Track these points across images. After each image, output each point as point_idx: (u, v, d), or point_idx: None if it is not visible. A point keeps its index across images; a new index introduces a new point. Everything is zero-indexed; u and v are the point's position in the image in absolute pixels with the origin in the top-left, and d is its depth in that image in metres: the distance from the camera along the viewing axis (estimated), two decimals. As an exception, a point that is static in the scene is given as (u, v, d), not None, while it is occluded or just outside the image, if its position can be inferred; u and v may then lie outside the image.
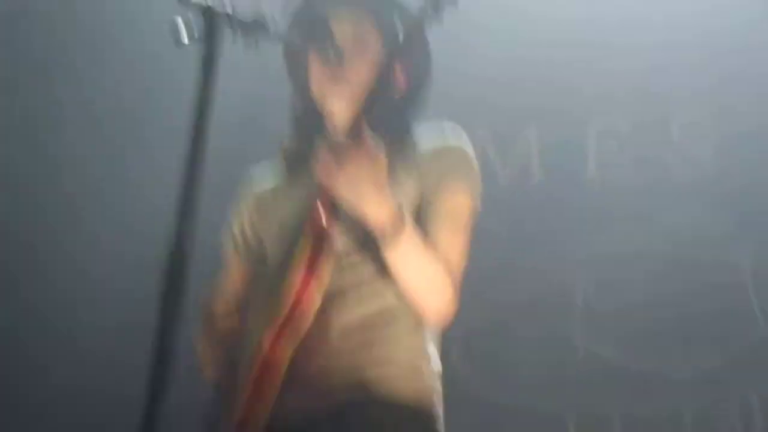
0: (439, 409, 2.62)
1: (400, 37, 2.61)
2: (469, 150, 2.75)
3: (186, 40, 2.10)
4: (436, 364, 2.67)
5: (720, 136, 5.01)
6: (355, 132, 2.44)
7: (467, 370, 4.89)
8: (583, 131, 5.22)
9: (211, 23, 2.11)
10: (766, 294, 4.80)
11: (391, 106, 2.67)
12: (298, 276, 2.42)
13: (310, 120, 2.81)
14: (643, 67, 5.06)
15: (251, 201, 2.90)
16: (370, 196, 2.40)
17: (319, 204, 2.46)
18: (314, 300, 2.43)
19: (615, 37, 5.11)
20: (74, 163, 5.30)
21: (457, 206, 2.65)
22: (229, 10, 2.16)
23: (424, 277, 2.50)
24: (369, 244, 2.54)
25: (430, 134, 2.76)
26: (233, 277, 2.86)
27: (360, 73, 2.68)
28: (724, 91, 4.94)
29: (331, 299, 2.49)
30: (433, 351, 2.67)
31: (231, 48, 2.17)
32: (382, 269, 2.55)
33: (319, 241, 2.45)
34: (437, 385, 2.64)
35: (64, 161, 5.32)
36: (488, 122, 5.14)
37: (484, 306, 4.90)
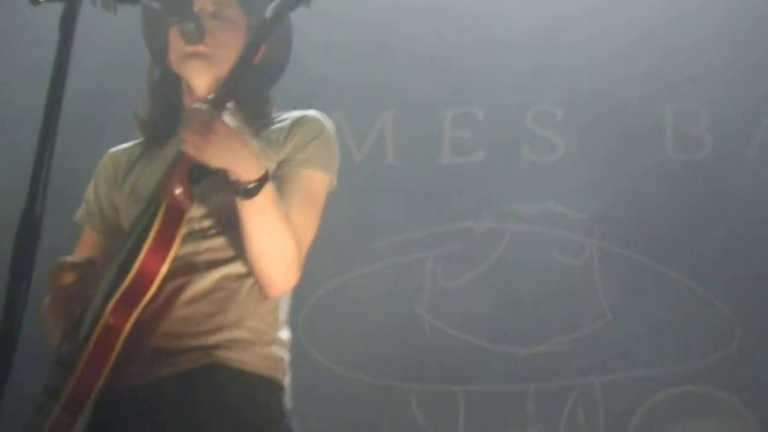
0: (285, 379, 2.64)
1: (266, 16, 2.57)
2: (329, 124, 2.76)
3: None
4: (285, 333, 2.68)
5: (569, 125, 5.12)
6: (216, 103, 2.44)
7: (311, 343, 4.95)
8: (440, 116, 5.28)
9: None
10: (611, 279, 4.92)
11: (250, 79, 2.65)
12: (147, 245, 2.40)
13: (166, 89, 2.81)
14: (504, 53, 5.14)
15: (108, 167, 2.88)
16: (240, 153, 2.40)
17: (175, 174, 2.45)
18: (160, 270, 2.41)
19: (474, 27, 5.20)
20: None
21: (312, 182, 2.66)
22: None
23: (276, 243, 2.50)
24: (223, 213, 2.56)
25: (292, 113, 2.77)
26: (84, 243, 2.84)
27: (221, 50, 2.68)
28: (583, 76, 5.05)
29: (180, 268, 2.49)
30: (282, 319, 2.68)
31: (90, 10, 2.16)
32: (235, 238, 2.56)
33: (173, 211, 2.44)
34: (285, 354, 2.66)
35: None
36: (344, 104, 5.17)
37: (331, 280, 4.97)
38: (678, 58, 4.99)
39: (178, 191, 2.44)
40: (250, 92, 2.68)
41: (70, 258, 2.64)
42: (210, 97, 2.49)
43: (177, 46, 2.73)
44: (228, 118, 2.43)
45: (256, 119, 2.68)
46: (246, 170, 2.41)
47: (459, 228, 5.08)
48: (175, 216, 2.45)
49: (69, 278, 2.55)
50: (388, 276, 5.05)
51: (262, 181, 2.42)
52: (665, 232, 4.84)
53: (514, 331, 4.86)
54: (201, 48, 2.68)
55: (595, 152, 4.98)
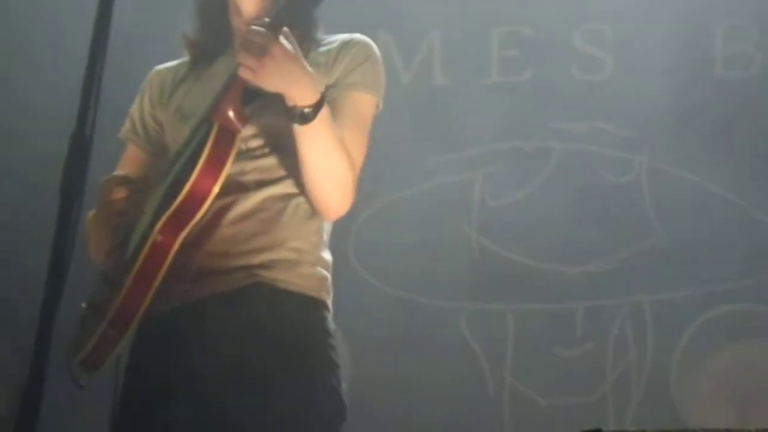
0: (328, 298, 2.65)
1: None
2: (375, 48, 2.75)
3: None
4: (327, 254, 2.69)
5: (618, 43, 5.08)
6: (273, 26, 2.42)
7: (360, 262, 4.99)
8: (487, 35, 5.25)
9: None
10: (661, 198, 4.91)
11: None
12: (199, 164, 2.41)
13: (214, 9, 2.79)
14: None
15: (153, 85, 2.88)
16: (296, 79, 2.41)
17: (228, 95, 2.46)
18: (212, 189, 2.42)
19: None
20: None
21: (361, 105, 2.66)
22: None
23: (333, 167, 2.52)
24: (270, 134, 2.57)
25: (339, 36, 2.76)
26: (129, 159, 2.86)
27: None
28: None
29: (226, 187, 2.48)
30: (325, 240, 2.70)
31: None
32: (281, 159, 2.58)
33: (225, 132, 2.45)
34: (328, 274, 2.67)
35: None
36: (392, 25, 5.16)
37: (380, 200, 5.00)
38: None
39: (231, 113, 2.45)
40: (297, 13, 2.67)
41: (122, 173, 2.66)
42: (266, 20, 2.47)
43: None
44: (284, 41, 2.42)
45: (304, 41, 2.67)
46: (302, 95, 2.41)
47: (507, 147, 5.07)
48: (228, 137, 2.46)
49: (119, 193, 2.56)
50: (437, 195, 5.06)
51: (318, 106, 2.43)
52: (713, 150, 4.80)
53: (562, 250, 4.88)
54: None
55: (644, 70, 4.93)
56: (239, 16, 2.73)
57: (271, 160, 2.61)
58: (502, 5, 5.19)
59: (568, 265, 4.88)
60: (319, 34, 2.77)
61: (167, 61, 2.95)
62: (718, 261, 4.65)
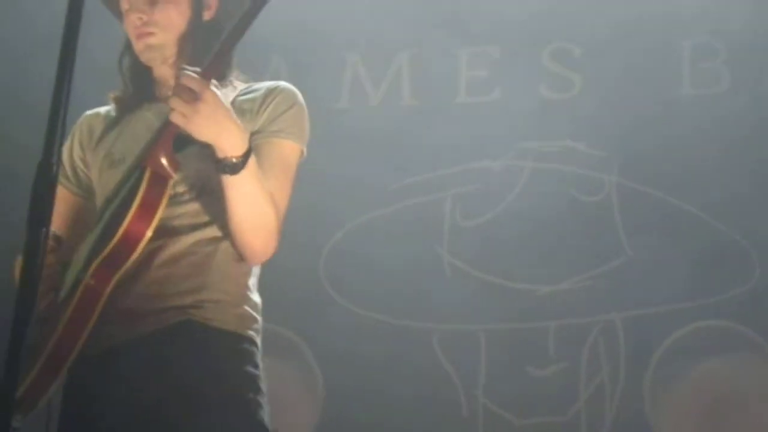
0: (257, 337, 2.68)
1: None
2: (299, 96, 2.77)
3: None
4: (256, 295, 2.73)
5: (586, 62, 5.10)
6: (204, 74, 2.46)
7: (331, 284, 4.97)
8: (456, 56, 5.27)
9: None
10: (631, 216, 4.93)
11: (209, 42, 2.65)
12: (132, 209, 2.45)
13: (137, 70, 2.82)
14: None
15: (83, 129, 2.90)
16: (226, 129, 2.45)
17: (160, 141, 2.50)
18: (145, 234, 2.46)
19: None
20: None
21: (285, 151, 2.70)
22: None
23: (258, 214, 2.56)
24: (198, 180, 2.61)
25: (264, 84, 2.80)
26: (60, 202, 2.83)
27: (169, 33, 2.71)
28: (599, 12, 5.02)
29: (160, 231, 2.51)
30: (253, 283, 2.73)
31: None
32: (209, 204, 2.62)
33: (157, 177, 2.49)
34: (257, 315, 2.70)
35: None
36: (360, 46, 5.17)
37: (350, 222, 4.99)
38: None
39: (163, 159, 2.49)
40: (225, 61, 2.70)
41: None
42: (198, 69, 2.49)
43: (133, 40, 2.76)
44: (215, 90, 2.46)
45: (222, 85, 2.69)
46: (232, 145, 2.45)
47: (477, 167, 5.08)
48: (160, 182, 2.50)
49: (49, 256, 2.52)
50: (406, 216, 5.07)
51: (246, 156, 2.47)
52: (684, 167, 4.82)
53: (533, 269, 4.88)
54: (151, 40, 2.70)
55: (612, 88, 4.96)
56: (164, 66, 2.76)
57: (199, 205, 2.64)
58: (470, 26, 5.20)
59: (540, 283, 4.89)
60: (244, 81, 2.81)
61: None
62: (689, 277, 4.66)
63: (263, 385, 2.62)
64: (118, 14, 2.80)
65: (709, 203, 4.78)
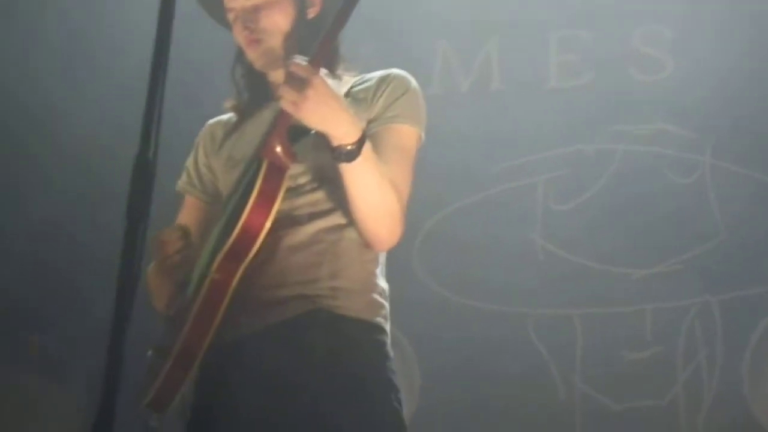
0: (386, 325, 2.68)
1: None
2: (413, 80, 2.77)
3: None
4: (383, 281, 2.73)
5: (678, 42, 5.06)
6: (313, 62, 2.47)
7: (425, 270, 5.01)
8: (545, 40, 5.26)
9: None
10: (726, 197, 4.89)
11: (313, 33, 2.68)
12: (251, 201, 2.47)
13: (251, 79, 2.86)
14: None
15: (206, 137, 2.96)
16: (337, 116, 2.44)
17: (274, 132, 2.51)
18: (264, 224, 2.47)
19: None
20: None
21: (403, 136, 2.69)
22: None
23: (380, 201, 2.54)
24: (318, 171, 2.62)
25: (376, 73, 2.80)
26: (188, 209, 2.92)
27: (276, 36, 2.74)
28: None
29: (281, 221, 2.53)
30: (380, 269, 2.73)
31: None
32: (330, 192, 2.62)
33: (274, 168, 2.50)
34: (385, 302, 2.70)
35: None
36: (449, 33, 5.19)
37: (444, 208, 5.01)
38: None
39: (278, 148, 2.50)
40: (332, 50, 2.72)
41: (174, 226, 2.70)
42: (307, 58, 2.49)
43: (245, 49, 2.80)
44: (324, 78, 2.47)
45: (331, 78, 2.70)
46: (345, 132, 2.45)
47: (569, 151, 5.07)
48: (277, 173, 2.51)
49: (173, 246, 2.61)
50: (500, 202, 5.07)
51: (360, 142, 2.46)
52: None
53: (628, 253, 4.85)
54: (261, 48, 2.74)
55: (704, 69, 4.91)
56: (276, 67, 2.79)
57: (321, 194, 2.65)
58: (559, 9, 5.18)
59: (635, 267, 4.86)
60: (345, 72, 2.82)
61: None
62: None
63: (394, 377, 2.63)
64: (226, 25, 2.83)
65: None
